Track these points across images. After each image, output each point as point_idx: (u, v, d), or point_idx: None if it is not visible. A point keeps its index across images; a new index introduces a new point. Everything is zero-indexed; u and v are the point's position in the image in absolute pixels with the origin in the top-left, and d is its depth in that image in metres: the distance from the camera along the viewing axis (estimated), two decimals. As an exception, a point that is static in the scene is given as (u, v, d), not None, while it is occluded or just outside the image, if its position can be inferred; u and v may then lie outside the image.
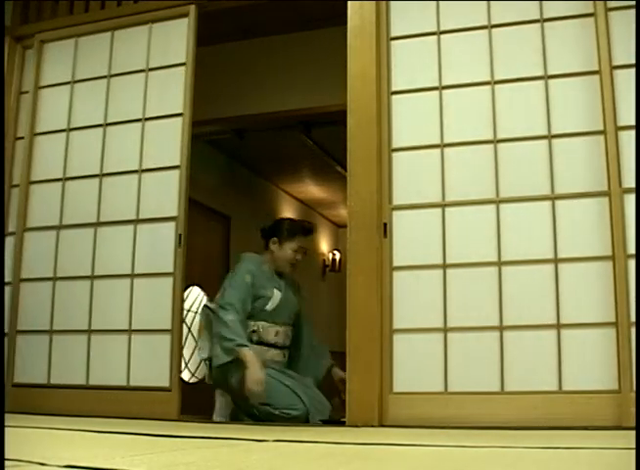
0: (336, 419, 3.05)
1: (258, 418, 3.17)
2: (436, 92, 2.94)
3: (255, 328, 3.28)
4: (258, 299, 3.30)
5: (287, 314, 3.40)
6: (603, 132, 2.69)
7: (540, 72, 2.82)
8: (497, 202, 2.79)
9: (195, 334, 5.69)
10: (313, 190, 7.49)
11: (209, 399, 3.37)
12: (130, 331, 3.23)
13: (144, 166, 3.37)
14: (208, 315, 3.33)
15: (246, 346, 3.10)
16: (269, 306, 3.31)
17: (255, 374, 3.03)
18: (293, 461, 1.56)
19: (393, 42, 3.04)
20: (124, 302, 3.25)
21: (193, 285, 5.62)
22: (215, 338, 3.16)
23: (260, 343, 3.27)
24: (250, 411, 3.18)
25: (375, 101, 2.95)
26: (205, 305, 3.38)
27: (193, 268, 4.61)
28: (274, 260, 3.42)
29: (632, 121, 2.65)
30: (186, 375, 5.35)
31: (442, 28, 2.98)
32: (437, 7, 3.00)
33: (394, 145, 2.95)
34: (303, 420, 3.12)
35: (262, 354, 3.21)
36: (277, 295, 3.35)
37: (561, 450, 1.76)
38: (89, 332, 3.29)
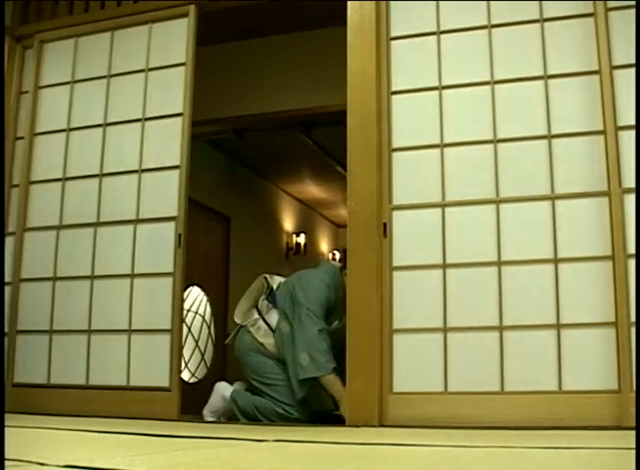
0: (332, 412, 3.04)
1: (254, 418, 3.17)
2: (436, 92, 2.94)
3: None
4: (327, 315, 3.20)
5: (333, 339, 3.22)
6: (603, 132, 2.69)
7: (540, 72, 2.82)
8: (497, 202, 2.79)
9: (194, 334, 5.70)
10: (313, 190, 7.49)
11: (209, 398, 3.37)
12: (130, 331, 3.22)
13: (144, 166, 3.37)
14: (263, 286, 3.34)
15: (335, 370, 3.01)
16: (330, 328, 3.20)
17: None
18: (293, 461, 1.56)
19: (393, 42, 3.03)
20: (124, 301, 3.25)
21: (193, 285, 5.63)
22: (307, 346, 3.05)
23: None
24: (249, 410, 3.18)
25: (375, 101, 2.95)
26: (265, 278, 3.37)
27: (193, 268, 4.62)
28: (345, 289, 3.27)
29: (632, 121, 2.65)
30: (186, 375, 5.35)
31: (442, 28, 2.98)
32: (437, 7, 3.00)
33: (394, 145, 2.95)
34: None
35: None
36: (334, 326, 3.23)
37: (561, 450, 1.76)
38: (89, 332, 3.29)
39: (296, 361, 3.08)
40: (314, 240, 8.18)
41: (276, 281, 3.40)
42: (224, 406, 3.28)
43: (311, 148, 5.72)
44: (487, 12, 2.93)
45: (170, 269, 3.20)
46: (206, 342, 5.82)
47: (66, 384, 3.27)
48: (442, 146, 2.89)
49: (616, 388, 2.53)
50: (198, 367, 5.66)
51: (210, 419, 3.27)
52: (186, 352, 5.47)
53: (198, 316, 5.77)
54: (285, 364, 3.18)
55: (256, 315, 3.31)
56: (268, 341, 3.24)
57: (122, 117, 3.45)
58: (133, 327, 3.22)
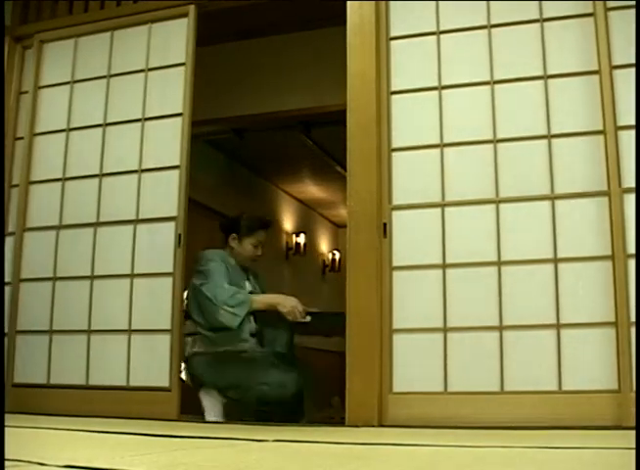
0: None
1: (245, 403, 3.15)
2: (436, 92, 2.94)
3: None
4: None
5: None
6: (603, 132, 2.69)
7: (540, 72, 2.82)
8: (497, 202, 2.79)
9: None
10: (313, 190, 7.49)
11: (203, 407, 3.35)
12: (130, 331, 3.22)
13: (144, 166, 3.36)
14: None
15: (248, 295, 3.16)
16: None
17: (288, 301, 3.15)
18: (293, 461, 1.56)
19: (393, 42, 3.03)
20: (124, 302, 3.25)
21: (193, 285, 5.61)
22: (218, 312, 3.13)
23: None
24: (240, 398, 3.17)
25: (374, 101, 2.95)
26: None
27: (193, 268, 4.60)
28: (235, 256, 3.41)
29: (632, 121, 2.65)
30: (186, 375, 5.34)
31: (442, 28, 2.98)
32: (437, 7, 3.00)
33: (394, 145, 2.95)
34: (296, 398, 3.12)
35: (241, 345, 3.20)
36: (247, 288, 3.37)
37: (561, 450, 1.76)
38: (89, 332, 3.28)
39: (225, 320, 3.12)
40: (314, 240, 8.18)
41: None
42: (219, 403, 3.25)
43: (311, 148, 5.71)
44: (487, 12, 2.93)
45: (170, 269, 3.20)
46: (206, 342, 5.79)
47: (65, 384, 3.27)
48: (442, 146, 2.89)
49: (616, 388, 2.53)
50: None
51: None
52: (186, 353, 5.45)
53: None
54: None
55: (190, 339, 3.28)
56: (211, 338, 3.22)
57: (122, 117, 3.45)
58: (133, 327, 3.22)
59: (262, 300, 3.21)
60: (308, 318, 3.15)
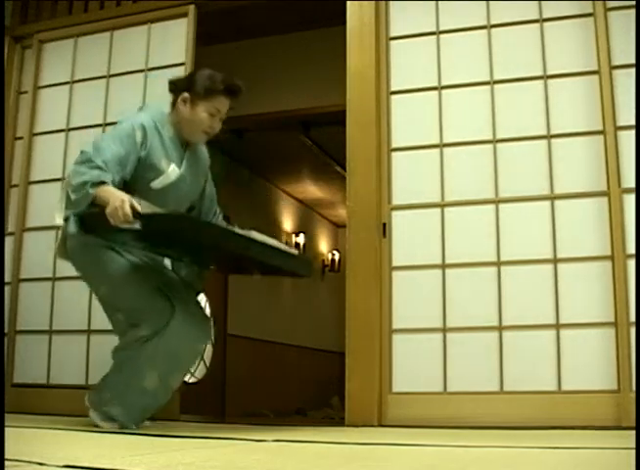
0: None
1: None
2: (436, 92, 2.94)
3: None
4: (146, 169, 2.42)
5: (180, 200, 2.54)
6: (602, 132, 2.70)
7: (540, 72, 2.83)
8: (497, 202, 2.79)
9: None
10: (313, 190, 7.49)
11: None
12: (130, 331, 3.22)
13: (143, 166, 3.36)
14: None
15: (104, 183, 2.24)
16: (156, 184, 2.44)
17: (116, 200, 2.15)
18: (292, 461, 1.56)
19: (393, 42, 3.04)
20: (124, 302, 3.24)
21: (192, 285, 5.61)
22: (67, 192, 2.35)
23: None
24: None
25: (374, 101, 2.96)
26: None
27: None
28: (181, 124, 2.50)
29: (632, 121, 2.65)
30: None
31: (442, 28, 2.98)
32: (437, 7, 3.00)
33: (394, 145, 2.95)
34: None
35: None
36: (172, 172, 2.46)
37: (561, 450, 1.76)
38: (88, 332, 3.28)
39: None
40: (313, 240, 8.18)
41: None
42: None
43: (311, 148, 5.72)
44: (487, 12, 2.93)
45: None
46: (206, 342, 5.79)
47: (65, 384, 3.27)
48: (442, 146, 2.89)
49: (615, 388, 2.53)
50: (197, 367, 5.66)
51: None
52: (185, 353, 5.45)
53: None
54: None
55: None
56: None
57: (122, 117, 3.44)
58: (133, 327, 3.22)
59: (104, 191, 2.22)
60: (137, 226, 2.17)
